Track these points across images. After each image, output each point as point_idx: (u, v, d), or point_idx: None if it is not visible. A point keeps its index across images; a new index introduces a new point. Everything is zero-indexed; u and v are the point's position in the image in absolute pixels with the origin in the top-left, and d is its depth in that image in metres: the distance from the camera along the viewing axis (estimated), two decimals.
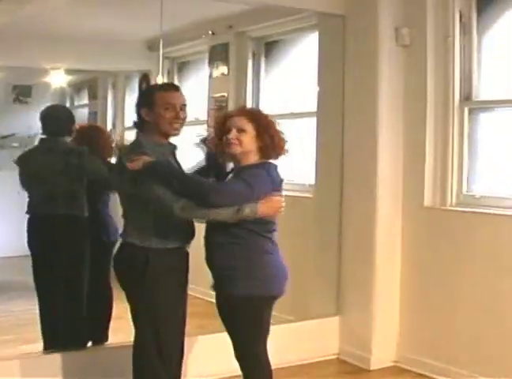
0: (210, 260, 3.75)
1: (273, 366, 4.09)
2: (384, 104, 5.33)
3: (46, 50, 7.37)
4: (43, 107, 5.28)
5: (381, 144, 5.34)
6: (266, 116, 3.81)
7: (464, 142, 5.23)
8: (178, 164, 3.89)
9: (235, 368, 3.85)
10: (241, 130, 3.69)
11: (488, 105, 5.20)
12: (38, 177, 5.01)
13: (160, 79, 6.51)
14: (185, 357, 3.96)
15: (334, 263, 5.62)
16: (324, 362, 5.52)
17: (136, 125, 3.86)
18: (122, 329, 5.18)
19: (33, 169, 5.03)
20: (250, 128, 3.70)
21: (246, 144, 3.69)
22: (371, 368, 5.44)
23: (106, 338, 5.46)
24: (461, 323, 5.13)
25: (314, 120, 6.00)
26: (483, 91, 5.20)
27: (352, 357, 5.54)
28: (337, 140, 5.56)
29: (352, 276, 5.55)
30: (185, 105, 3.79)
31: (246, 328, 3.73)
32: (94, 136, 5.52)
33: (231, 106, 6.89)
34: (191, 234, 3.85)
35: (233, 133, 3.68)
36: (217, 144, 3.82)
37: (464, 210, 5.16)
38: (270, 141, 3.72)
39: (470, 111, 5.22)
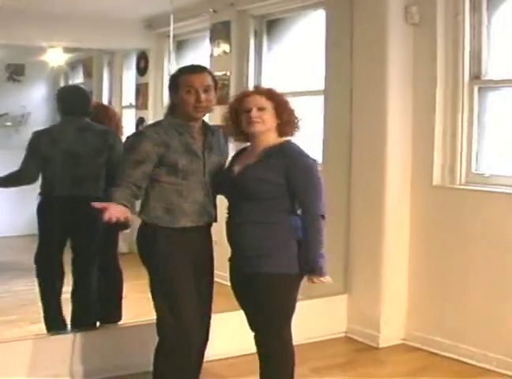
0: (238, 239, 3.75)
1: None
2: (393, 83, 5.33)
3: (42, 28, 7.27)
4: (37, 87, 5.22)
5: (390, 123, 5.34)
6: (281, 94, 3.83)
7: (473, 121, 5.24)
8: (220, 145, 3.94)
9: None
10: (261, 108, 3.70)
11: (498, 84, 5.20)
12: (67, 156, 4.92)
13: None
14: None
15: (342, 241, 5.64)
16: (332, 340, 5.56)
17: (168, 106, 3.96)
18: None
19: (64, 148, 4.93)
20: (269, 106, 3.71)
21: (268, 121, 3.71)
22: (380, 346, 5.49)
23: (119, 317, 5.45)
24: (470, 300, 5.17)
25: (317, 98, 6.00)
26: (492, 69, 5.20)
27: (360, 335, 5.58)
28: (345, 119, 5.56)
29: (360, 255, 5.57)
30: (209, 86, 3.79)
31: (280, 306, 3.75)
32: (105, 114, 5.52)
33: (233, 85, 6.87)
34: (208, 214, 3.86)
35: (254, 112, 3.69)
36: (230, 125, 3.85)
37: (473, 188, 5.19)
38: (288, 118, 3.77)
39: (479, 90, 5.23)
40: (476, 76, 5.22)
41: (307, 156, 3.76)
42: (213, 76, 3.88)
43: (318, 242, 3.67)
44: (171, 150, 3.74)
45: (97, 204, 3.56)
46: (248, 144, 3.89)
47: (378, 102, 5.34)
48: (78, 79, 9.76)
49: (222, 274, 4.02)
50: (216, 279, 4.03)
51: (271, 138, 3.75)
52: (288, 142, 3.78)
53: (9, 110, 9.62)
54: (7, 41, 7.62)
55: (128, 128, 8.20)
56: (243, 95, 3.84)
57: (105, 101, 9.09)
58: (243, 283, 3.78)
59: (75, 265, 5.14)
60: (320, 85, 6.00)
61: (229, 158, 3.99)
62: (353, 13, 5.49)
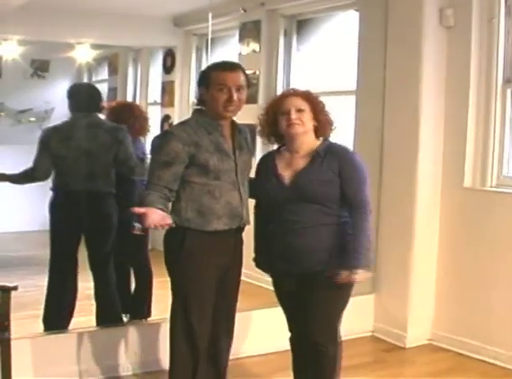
0: (302, 244, 3.67)
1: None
2: (426, 85, 5.35)
3: (70, 25, 7.31)
4: (61, 83, 5.27)
5: (422, 125, 5.36)
6: (317, 96, 3.82)
7: (505, 124, 5.27)
8: (247, 144, 3.90)
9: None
10: (300, 110, 3.68)
11: None
12: (79, 152, 4.97)
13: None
14: None
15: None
16: (359, 340, 5.58)
17: (197, 103, 3.85)
18: None
19: (75, 144, 4.97)
20: (307, 107, 3.69)
21: (307, 123, 3.70)
22: (407, 346, 5.51)
23: (149, 314, 5.52)
24: (498, 302, 5.19)
25: (347, 98, 6.02)
26: None
27: (386, 334, 5.61)
28: (377, 120, 5.59)
29: (389, 255, 5.59)
30: (242, 85, 3.70)
31: (340, 303, 3.79)
32: (130, 112, 5.55)
33: (261, 84, 6.91)
34: (241, 217, 3.79)
35: (293, 113, 3.67)
36: (267, 127, 3.82)
37: (504, 191, 5.21)
38: (325, 120, 3.77)
39: None
40: (509, 80, 5.24)
41: (355, 153, 3.82)
42: (246, 75, 3.78)
43: (367, 236, 3.67)
44: (202, 149, 3.65)
45: (136, 210, 3.46)
46: (274, 148, 3.92)
47: (411, 103, 5.37)
48: (103, 75, 9.81)
49: (248, 272, 4.06)
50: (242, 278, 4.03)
51: (311, 139, 3.75)
52: (331, 142, 3.80)
53: (33, 106, 9.68)
54: (35, 37, 7.67)
55: (153, 125, 8.29)
56: (280, 97, 3.82)
57: (129, 98, 9.14)
58: (307, 286, 3.73)
59: (91, 263, 5.17)
60: (350, 86, 6.03)
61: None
62: (387, 14, 5.51)
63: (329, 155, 3.69)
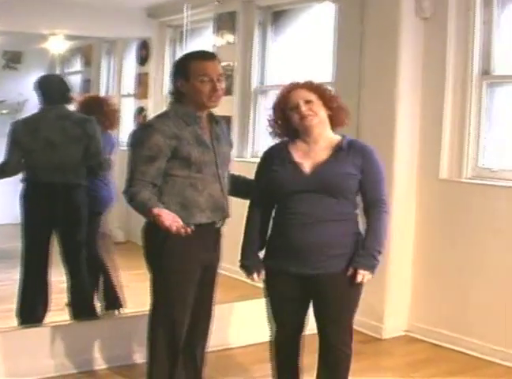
0: (316, 239, 3.50)
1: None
2: (403, 76, 5.38)
3: (44, 16, 7.23)
4: (33, 74, 5.26)
5: (398, 116, 5.39)
6: (321, 84, 3.68)
7: (481, 116, 5.29)
8: (225, 136, 3.87)
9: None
10: (308, 101, 3.53)
11: (507, 80, 5.26)
12: (47, 144, 4.94)
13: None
14: None
15: None
16: None
17: (172, 94, 3.75)
18: None
19: (43, 136, 4.94)
20: (314, 97, 3.55)
21: (319, 112, 3.55)
22: (384, 337, 5.53)
23: (120, 303, 5.52)
24: (474, 293, 5.23)
25: None
26: (502, 65, 5.25)
27: (364, 326, 5.59)
28: (353, 112, 5.48)
29: None
30: (222, 74, 3.65)
31: (356, 302, 3.65)
32: (99, 106, 5.60)
33: (237, 75, 6.87)
34: (223, 209, 3.76)
35: (303, 105, 3.52)
36: (280, 125, 3.66)
37: (479, 182, 5.24)
38: (337, 107, 3.63)
39: (488, 85, 5.27)
40: (485, 72, 5.26)
41: (374, 150, 3.67)
42: (220, 64, 3.73)
43: (384, 235, 3.61)
44: (183, 142, 3.58)
45: (156, 211, 3.40)
46: (282, 140, 3.71)
47: (388, 95, 5.38)
48: (76, 67, 9.72)
49: (227, 266, 4.07)
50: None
51: (328, 130, 3.62)
52: (351, 138, 3.66)
53: (6, 98, 9.57)
54: (8, 28, 7.57)
55: (127, 117, 8.24)
56: (285, 93, 3.63)
57: (103, 90, 9.07)
58: (313, 285, 3.59)
59: (64, 255, 5.14)
60: (326, 77, 6.00)
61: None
62: (364, 5, 5.51)
63: (353, 150, 3.57)
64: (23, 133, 4.97)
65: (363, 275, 3.49)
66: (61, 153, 4.94)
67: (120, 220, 7.17)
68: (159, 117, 3.74)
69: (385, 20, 5.39)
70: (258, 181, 3.73)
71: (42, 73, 9.60)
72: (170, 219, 3.38)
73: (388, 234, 3.67)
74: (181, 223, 3.41)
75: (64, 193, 4.98)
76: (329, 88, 3.72)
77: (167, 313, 3.72)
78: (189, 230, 3.41)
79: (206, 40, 7.44)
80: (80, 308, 5.18)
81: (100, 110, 5.49)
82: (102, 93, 8.96)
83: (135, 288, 5.57)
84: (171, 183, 3.62)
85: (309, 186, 3.50)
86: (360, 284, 3.54)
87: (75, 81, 9.60)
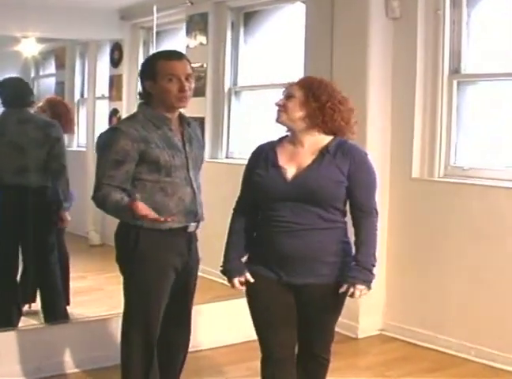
0: (299, 248, 3.29)
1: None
2: (373, 76, 5.39)
3: (15, 18, 7.16)
4: (1, 78, 5.31)
5: (369, 115, 5.40)
6: (326, 84, 3.42)
7: (452, 114, 5.32)
8: (198, 137, 3.76)
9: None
10: (289, 96, 3.34)
11: (477, 78, 5.29)
12: (11, 147, 4.98)
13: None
14: None
15: None
16: None
17: (141, 96, 3.65)
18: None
19: (7, 139, 4.99)
20: (299, 94, 3.33)
21: (294, 109, 3.32)
22: (359, 336, 5.55)
23: (68, 301, 5.52)
24: (448, 292, 5.25)
25: None
26: (471, 64, 5.28)
27: (339, 325, 5.46)
28: None
29: None
30: (190, 74, 3.54)
31: (340, 312, 3.49)
32: (60, 109, 5.69)
33: (209, 77, 6.87)
34: (195, 213, 3.64)
35: (280, 99, 3.36)
36: None
37: (451, 181, 5.27)
38: (329, 109, 3.33)
39: (459, 84, 5.30)
40: (455, 71, 5.29)
41: (367, 154, 3.41)
42: (191, 64, 3.60)
43: (375, 247, 3.36)
44: (152, 145, 3.48)
45: (134, 203, 3.32)
46: (272, 140, 3.49)
47: (358, 95, 5.31)
48: (50, 70, 9.67)
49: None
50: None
51: (316, 132, 3.35)
52: (341, 139, 3.37)
53: None
54: None
55: (101, 119, 8.21)
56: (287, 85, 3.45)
57: (77, 92, 9.03)
58: (299, 295, 3.39)
59: (35, 258, 5.16)
60: (296, 78, 5.99)
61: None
62: (334, 5, 5.51)
63: (341, 153, 3.30)
64: None
65: (360, 291, 3.28)
66: (24, 156, 4.97)
67: (95, 223, 7.16)
68: (127, 119, 3.68)
69: (355, 20, 5.40)
70: (243, 184, 3.52)
71: (14, 76, 9.61)
72: (147, 209, 3.32)
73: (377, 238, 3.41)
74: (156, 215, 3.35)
75: (30, 196, 4.99)
76: (339, 90, 3.46)
77: (140, 316, 3.66)
78: (170, 219, 3.36)
79: (179, 42, 7.42)
80: (52, 311, 5.20)
81: (61, 113, 5.61)
82: (76, 95, 8.95)
83: (109, 291, 5.59)
84: (141, 187, 3.52)
85: (290, 194, 3.27)
86: (345, 295, 3.34)
87: (49, 84, 9.59)
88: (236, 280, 3.43)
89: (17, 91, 5.13)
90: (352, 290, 3.27)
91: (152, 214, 3.32)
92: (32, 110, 5.23)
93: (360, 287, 3.28)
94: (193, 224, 3.67)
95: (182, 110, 3.72)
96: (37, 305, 5.41)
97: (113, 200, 3.43)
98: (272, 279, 3.36)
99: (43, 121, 5.15)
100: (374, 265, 3.33)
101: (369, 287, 3.32)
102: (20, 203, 4.95)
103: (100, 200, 3.49)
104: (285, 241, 3.29)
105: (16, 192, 4.96)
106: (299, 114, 3.33)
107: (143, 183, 3.53)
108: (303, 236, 3.28)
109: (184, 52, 6.75)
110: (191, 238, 3.72)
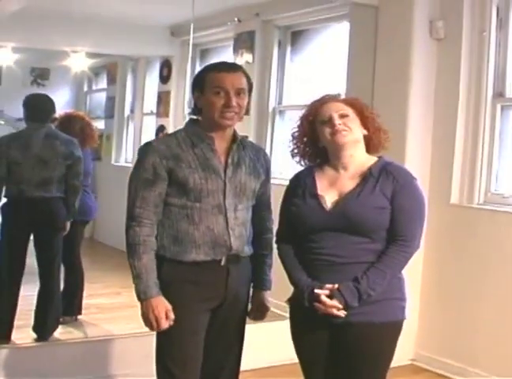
0: (337, 281, 3.00)
1: (269, 364, 4.39)
2: (415, 98, 5.26)
3: (67, 33, 7.26)
4: (61, 91, 5.46)
5: (410, 138, 5.27)
6: (360, 100, 3.24)
7: (494, 139, 5.15)
8: (253, 162, 3.27)
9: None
10: (343, 115, 3.05)
11: None
12: (36, 161, 5.13)
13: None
14: None
15: None
16: None
17: (191, 111, 3.27)
18: None
19: (34, 152, 5.13)
20: (351, 112, 3.08)
21: (355, 130, 3.06)
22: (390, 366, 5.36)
23: (80, 311, 5.82)
24: (483, 323, 5.06)
25: None
26: None
27: None
28: None
29: None
30: (243, 89, 3.12)
31: (389, 361, 3.19)
32: (77, 125, 5.85)
33: (254, 95, 6.79)
34: (227, 246, 3.15)
35: (337, 119, 3.03)
36: (301, 143, 3.21)
37: (491, 209, 5.09)
38: (376, 127, 3.17)
39: (502, 108, 5.13)
40: (499, 94, 5.12)
41: (415, 178, 3.14)
42: (249, 79, 3.18)
43: (390, 276, 3.01)
44: (182, 165, 3.09)
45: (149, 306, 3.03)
46: (309, 166, 3.25)
47: (399, 116, 5.24)
48: (102, 85, 9.78)
49: None
50: None
51: (361, 154, 3.11)
52: (387, 160, 3.13)
53: None
54: (31, 45, 7.65)
55: (148, 135, 8.25)
56: (317, 104, 3.16)
57: (127, 108, 9.11)
58: (337, 337, 3.07)
59: (39, 266, 5.28)
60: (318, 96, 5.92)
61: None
62: (377, 25, 5.42)
63: (384, 176, 3.04)
64: (13, 148, 5.13)
65: (337, 308, 2.97)
66: (48, 169, 5.15)
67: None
68: (166, 135, 3.47)
69: (399, 39, 5.28)
70: (281, 215, 3.23)
71: (69, 90, 9.77)
72: (160, 315, 3.05)
73: (394, 275, 3.07)
74: (172, 316, 3.08)
75: (44, 206, 5.17)
76: (367, 104, 3.25)
77: (165, 368, 3.18)
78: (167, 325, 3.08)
79: (226, 59, 7.39)
80: (43, 319, 5.27)
81: (76, 128, 5.81)
82: (126, 111, 9.04)
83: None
84: (167, 212, 3.13)
85: (329, 224, 3.01)
86: (398, 334, 3.08)
87: (100, 99, 9.70)
88: (317, 290, 3.02)
89: (42, 107, 5.28)
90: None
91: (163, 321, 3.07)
92: (53, 126, 5.40)
93: (337, 304, 2.97)
94: (225, 258, 3.17)
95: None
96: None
97: (142, 265, 3.06)
98: (314, 317, 3.05)
99: (66, 138, 5.31)
100: (369, 295, 2.98)
101: (345, 310, 2.98)
102: (33, 214, 5.12)
103: (130, 240, 3.11)
104: (325, 276, 3.01)
105: (32, 204, 5.13)
106: (360, 134, 3.11)
107: (170, 207, 3.13)
108: (345, 270, 2.98)
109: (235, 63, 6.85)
110: (229, 274, 3.20)
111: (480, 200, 5.20)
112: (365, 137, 3.13)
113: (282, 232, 3.26)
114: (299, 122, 3.20)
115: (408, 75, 5.23)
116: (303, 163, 3.26)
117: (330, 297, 2.98)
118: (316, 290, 3.00)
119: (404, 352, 5.37)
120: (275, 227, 3.36)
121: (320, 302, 2.98)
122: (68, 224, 5.34)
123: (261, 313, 3.45)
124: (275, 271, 3.40)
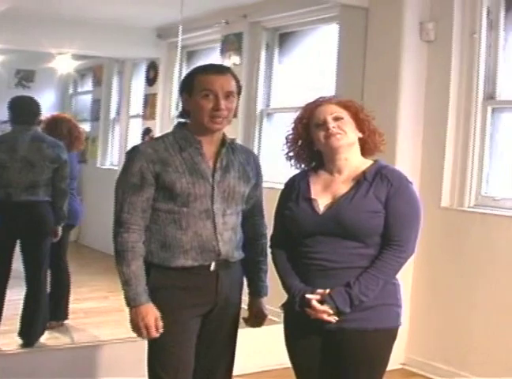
0: (331, 287, 2.95)
1: (259, 369, 4.40)
2: (405, 100, 5.23)
3: (52, 34, 7.20)
4: (45, 93, 5.43)
5: (400, 140, 5.23)
6: (355, 101, 3.17)
7: (485, 142, 5.12)
8: (243, 166, 3.22)
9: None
10: (338, 118, 3.01)
11: None
12: (23, 163, 5.10)
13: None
14: None
15: None
16: None
17: (179, 114, 3.22)
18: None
19: (20, 155, 5.09)
20: (346, 115, 3.03)
21: (349, 133, 3.01)
22: None
23: (66, 316, 5.78)
24: (474, 327, 5.04)
25: None
26: (507, 90, 5.08)
27: None
28: None
29: None
30: (232, 92, 3.05)
31: (383, 368, 3.10)
32: (64, 127, 5.79)
33: (242, 97, 6.74)
34: (215, 251, 3.09)
35: (331, 122, 2.98)
36: (295, 146, 3.16)
37: (482, 211, 5.06)
38: (372, 130, 3.13)
39: (493, 111, 5.10)
40: (490, 97, 5.09)
41: (410, 182, 3.08)
42: (238, 81, 3.12)
43: (383, 282, 2.95)
44: (169, 169, 3.04)
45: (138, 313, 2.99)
46: (304, 169, 3.21)
47: (389, 118, 5.20)
48: (87, 87, 9.70)
49: None
50: None
51: (356, 157, 3.07)
52: (382, 163, 3.11)
53: None
54: (16, 46, 7.56)
55: (134, 138, 8.19)
56: (311, 106, 3.11)
57: (113, 110, 9.04)
58: (331, 343, 3.03)
59: (25, 269, 5.26)
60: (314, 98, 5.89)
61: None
62: (367, 27, 5.39)
63: (379, 179, 2.99)
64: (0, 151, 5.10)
65: (328, 313, 2.93)
66: (35, 172, 5.12)
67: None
68: (154, 139, 3.35)
69: (388, 41, 5.25)
70: (275, 219, 3.20)
71: (54, 92, 9.68)
72: (150, 324, 3.00)
73: (389, 281, 3.01)
74: (160, 325, 3.02)
75: (32, 210, 5.15)
76: (362, 106, 3.19)
77: (157, 376, 3.13)
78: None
79: (213, 61, 7.35)
80: (29, 323, 5.22)
81: (63, 131, 5.75)
82: (112, 113, 8.98)
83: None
84: (154, 217, 3.08)
85: (321, 228, 2.97)
86: (392, 341, 3.04)
87: (85, 101, 9.62)
88: (308, 295, 2.98)
89: (28, 110, 5.24)
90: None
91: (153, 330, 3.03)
92: (39, 129, 5.36)
93: (328, 309, 2.92)
94: (214, 263, 3.12)
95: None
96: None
97: (131, 272, 3.00)
98: (308, 324, 3.02)
99: (52, 140, 5.28)
100: (361, 300, 2.92)
101: (337, 315, 2.93)
102: (21, 218, 5.10)
103: (119, 246, 3.05)
104: (318, 281, 2.96)
105: (20, 207, 5.11)
106: (355, 138, 3.07)
107: (157, 213, 3.08)
108: (339, 275, 2.94)
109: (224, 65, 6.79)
110: (218, 279, 3.15)
111: (471, 203, 5.17)
112: (360, 140, 3.09)
113: (276, 237, 3.22)
114: (293, 125, 3.15)
115: (398, 77, 5.20)
116: (298, 166, 3.22)
117: (322, 302, 2.94)
118: (307, 295, 2.98)
119: (394, 356, 5.26)
120: (269, 232, 3.32)
121: (311, 307, 2.95)
122: (60, 229, 5.32)
123: (259, 320, 3.42)
124: (269, 276, 3.37)
